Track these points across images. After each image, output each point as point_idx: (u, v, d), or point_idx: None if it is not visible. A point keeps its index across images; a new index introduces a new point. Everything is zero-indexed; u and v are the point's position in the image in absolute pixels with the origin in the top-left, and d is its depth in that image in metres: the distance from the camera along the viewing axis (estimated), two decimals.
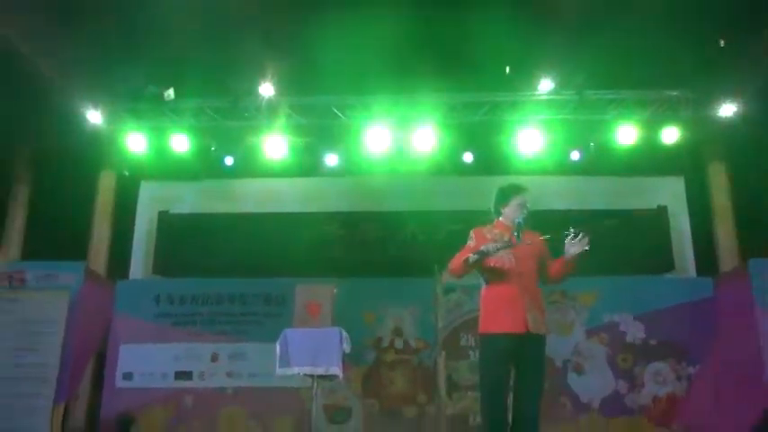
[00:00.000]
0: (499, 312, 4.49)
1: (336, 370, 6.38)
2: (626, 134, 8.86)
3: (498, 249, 4.42)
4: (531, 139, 8.97)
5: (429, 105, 9.03)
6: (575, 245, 4.52)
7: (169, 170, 9.65)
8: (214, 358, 8.82)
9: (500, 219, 4.73)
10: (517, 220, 4.56)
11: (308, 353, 6.39)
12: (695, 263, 9.54)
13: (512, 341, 4.40)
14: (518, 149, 9.07)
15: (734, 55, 7.97)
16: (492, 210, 4.82)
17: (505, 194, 4.74)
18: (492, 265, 4.52)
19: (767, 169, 8.82)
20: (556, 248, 4.63)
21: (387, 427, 8.58)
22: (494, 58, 8.33)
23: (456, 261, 4.58)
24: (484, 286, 4.68)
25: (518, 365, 4.50)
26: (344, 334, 6.49)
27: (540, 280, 4.68)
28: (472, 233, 4.70)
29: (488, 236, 4.64)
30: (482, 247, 4.41)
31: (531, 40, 7.86)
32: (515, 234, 4.50)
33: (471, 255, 4.45)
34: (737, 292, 7.95)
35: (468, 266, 4.50)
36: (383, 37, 7.50)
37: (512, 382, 4.55)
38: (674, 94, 8.87)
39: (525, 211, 4.64)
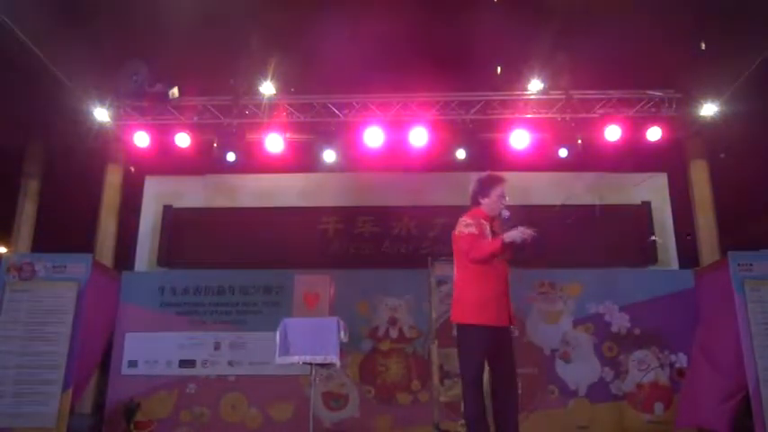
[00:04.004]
0: (489, 306, 4.57)
1: (334, 358, 6.52)
2: (612, 132, 9.01)
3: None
4: (520, 137, 9.13)
5: (423, 103, 9.19)
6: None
7: (173, 166, 9.75)
8: (217, 347, 8.96)
9: (480, 208, 4.80)
10: (505, 216, 4.66)
11: (307, 342, 6.53)
12: (677, 256, 9.68)
13: (494, 334, 4.55)
14: (509, 146, 9.21)
15: (715, 57, 8.15)
16: (470, 199, 4.88)
17: (485, 185, 4.82)
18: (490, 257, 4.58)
19: (746, 166, 9.07)
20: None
21: (382, 413, 8.74)
22: (486, 58, 8.56)
23: (485, 249, 4.55)
24: (468, 277, 4.69)
25: (496, 357, 4.62)
26: (342, 323, 6.63)
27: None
28: (470, 220, 4.71)
29: (482, 222, 4.73)
30: (516, 239, 4.46)
31: (522, 41, 8.07)
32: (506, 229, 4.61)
33: (506, 237, 4.47)
34: (718, 284, 8.08)
35: (501, 252, 4.53)
36: (379, 38, 7.70)
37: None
38: (658, 94, 9.07)
39: (504, 202, 4.74)
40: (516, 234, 4.46)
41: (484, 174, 4.96)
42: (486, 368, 4.73)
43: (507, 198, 4.78)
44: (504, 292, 4.67)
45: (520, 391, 4.76)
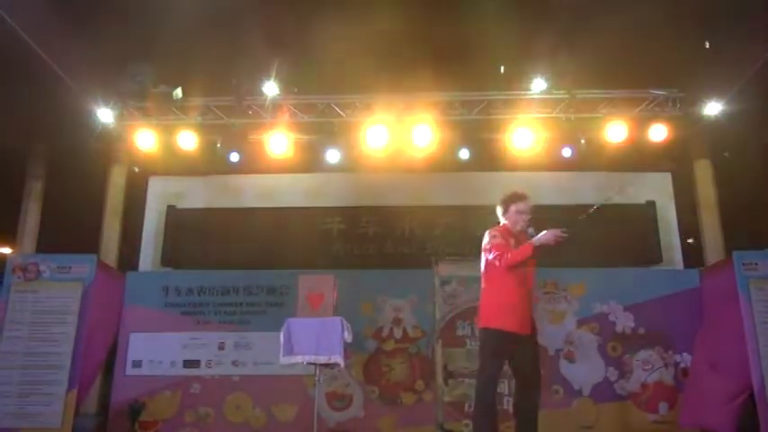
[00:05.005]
0: (509, 312, 4.80)
1: (338, 358, 6.52)
2: (616, 131, 8.98)
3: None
4: (524, 136, 9.08)
5: (426, 103, 9.16)
6: None
7: (177, 166, 9.74)
8: (221, 347, 8.99)
9: (504, 224, 5.06)
10: (529, 232, 4.85)
11: (311, 342, 6.53)
12: (682, 255, 9.69)
13: (514, 341, 4.77)
14: (512, 146, 9.17)
15: (719, 56, 8.13)
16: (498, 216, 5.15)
17: (505, 203, 5.07)
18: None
19: (750, 166, 9.05)
20: None
21: (386, 413, 8.75)
22: (489, 58, 8.55)
23: (519, 254, 4.75)
24: (493, 285, 4.94)
25: (519, 362, 4.86)
26: (346, 323, 6.64)
27: None
28: (496, 232, 4.97)
29: (506, 235, 4.96)
30: (548, 242, 4.66)
31: (525, 40, 8.07)
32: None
33: (536, 241, 4.69)
34: (722, 284, 8.07)
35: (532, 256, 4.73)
36: (382, 38, 7.71)
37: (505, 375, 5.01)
38: (662, 93, 9.03)
39: (525, 218, 4.96)
40: (548, 237, 4.66)
41: (508, 191, 5.18)
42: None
43: (529, 215, 4.97)
44: (526, 300, 4.86)
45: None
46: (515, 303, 4.81)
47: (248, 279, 9.32)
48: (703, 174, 9.69)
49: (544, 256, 4.94)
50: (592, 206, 9.54)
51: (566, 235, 4.64)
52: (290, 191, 10.19)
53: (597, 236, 9.25)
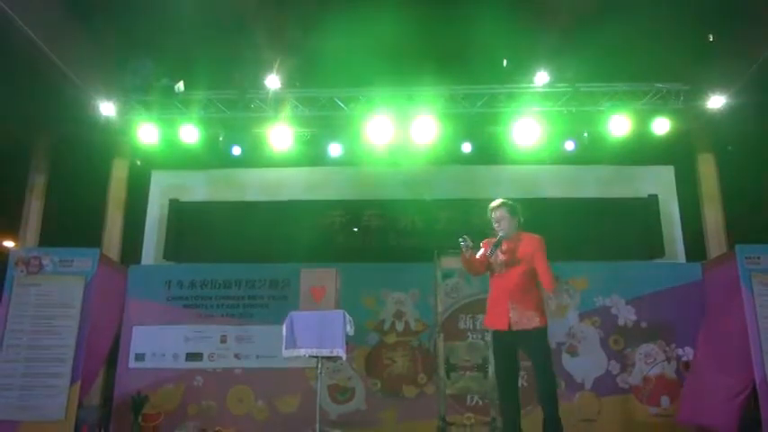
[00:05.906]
0: (489, 310, 5.22)
1: (340, 351, 6.52)
2: (618, 125, 8.94)
3: (469, 249, 5.06)
4: (527, 130, 9.03)
5: (428, 97, 9.13)
6: None
7: (179, 160, 9.76)
8: (223, 340, 9.02)
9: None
10: (500, 234, 5.15)
11: (313, 335, 6.53)
12: (684, 249, 9.67)
13: (503, 336, 5.04)
14: (514, 140, 9.13)
15: (723, 49, 8.13)
16: None
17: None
18: (485, 265, 5.20)
19: (754, 159, 9.02)
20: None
21: (388, 406, 8.78)
22: (492, 51, 8.50)
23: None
24: None
25: (528, 357, 5.13)
26: (348, 317, 6.65)
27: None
28: (485, 240, 5.31)
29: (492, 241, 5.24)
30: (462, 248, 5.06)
31: (528, 34, 8.03)
32: (494, 246, 5.11)
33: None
34: (725, 277, 8.07)
35: (471, 264, 5.15)
36: (385, 32, 7.66)
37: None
38: (666, 86, 8.98)
39: (500, 224, 5.22)
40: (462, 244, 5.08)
41: None
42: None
43: (504, 220, 5.24)
44: (501, 298, 5.12)
45: (557, 387, 5.13)
46: (492, 302, 5.19)
47: (250, 272, 9.36)
48: (706, 167, 9.68)
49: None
50: (594, 199, 9.60)
51: (461, 240, 5.04)
52: (293, 184, 10.19)
53: (600, 229, 9.28)
